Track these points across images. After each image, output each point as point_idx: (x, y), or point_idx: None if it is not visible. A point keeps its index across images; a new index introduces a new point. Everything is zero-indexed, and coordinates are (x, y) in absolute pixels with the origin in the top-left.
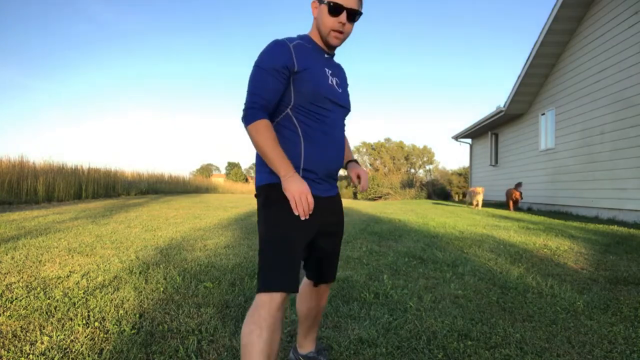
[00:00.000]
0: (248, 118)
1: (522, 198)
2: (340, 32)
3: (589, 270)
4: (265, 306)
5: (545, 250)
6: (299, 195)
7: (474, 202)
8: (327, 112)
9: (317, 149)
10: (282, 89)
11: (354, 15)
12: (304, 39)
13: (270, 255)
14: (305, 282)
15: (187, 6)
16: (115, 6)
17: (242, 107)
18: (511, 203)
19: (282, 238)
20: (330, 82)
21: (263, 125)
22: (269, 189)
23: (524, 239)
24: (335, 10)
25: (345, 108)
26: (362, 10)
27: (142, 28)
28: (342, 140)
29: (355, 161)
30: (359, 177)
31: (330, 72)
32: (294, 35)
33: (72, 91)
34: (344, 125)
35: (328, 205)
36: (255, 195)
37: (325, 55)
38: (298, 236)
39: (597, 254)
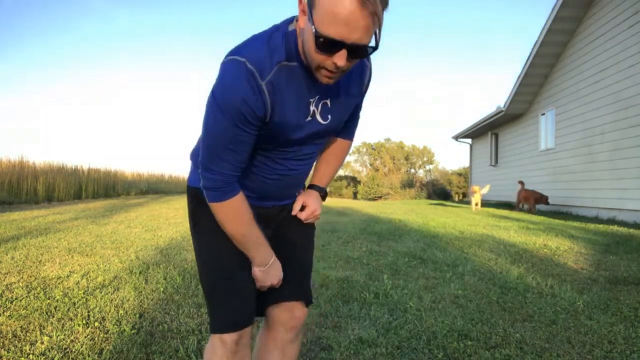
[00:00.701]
0: (216, 195)
1: (547, 203)
2: (333, 72)
3: (589, 270)
4: (219, 349)
5: (545, 250)
6: (270, 286)
7: (473, 203)
8: (291, 154)
9: (261, 189)
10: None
11: (360, 52)
12: (288, 48)
13: (212, 288)
14: (264, 332)
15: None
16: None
17: (202, 168)
18: (532, 203)
19: (222, 264)
20: (309, 118)
21: (237, 204)
22: (200, 197)
23: (524, 239)
24: (326, 47)
25: (323, 138)
26: (379, 40)
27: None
28: (303, 174)
29: (321, 189)
30: (303, 207)
31: (316, 98)
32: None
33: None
34: (314, 152)
35: (282, 211)
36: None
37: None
38: (241, 258)
39: (597, 254)
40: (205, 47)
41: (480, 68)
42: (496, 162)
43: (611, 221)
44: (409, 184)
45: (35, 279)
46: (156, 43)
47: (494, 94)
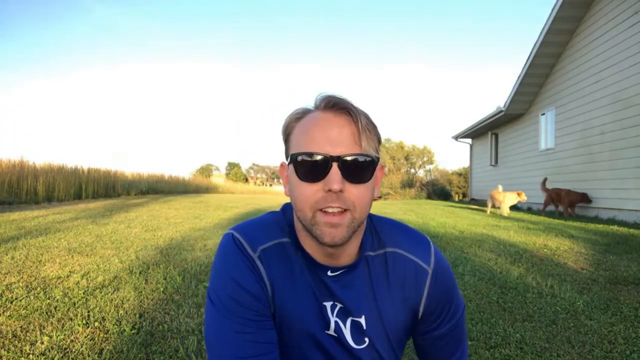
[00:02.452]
0: None
1: (590, 201)
2: (339, 212)
3: (589, 270)
4: None
5: (545, 250)
6: None
7: (507, 207)
8: None
9: None
10: (275, 337)
11: (356, 166)
12: (290, 229)
13: None
14: None
15: (186, 4)
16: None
17: None
18: (566, 205)
19: None
20: (330, 332)
21: None
22: None
23: (524, 239)
24: (311, 169)
25: None
26: (377, 151)
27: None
28: None
29: None
30: None
31: (337, 307)
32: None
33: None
34: None
35: None
36: None
37: (329, 273)
38: None
39: (597, 254)
40: (206, 48)
41: (481, 68)
42: (496, 162)
43: (611, 221)
44: (409, 184)
45: (35, 279)
46: (158, 44)
47: (494, 94)
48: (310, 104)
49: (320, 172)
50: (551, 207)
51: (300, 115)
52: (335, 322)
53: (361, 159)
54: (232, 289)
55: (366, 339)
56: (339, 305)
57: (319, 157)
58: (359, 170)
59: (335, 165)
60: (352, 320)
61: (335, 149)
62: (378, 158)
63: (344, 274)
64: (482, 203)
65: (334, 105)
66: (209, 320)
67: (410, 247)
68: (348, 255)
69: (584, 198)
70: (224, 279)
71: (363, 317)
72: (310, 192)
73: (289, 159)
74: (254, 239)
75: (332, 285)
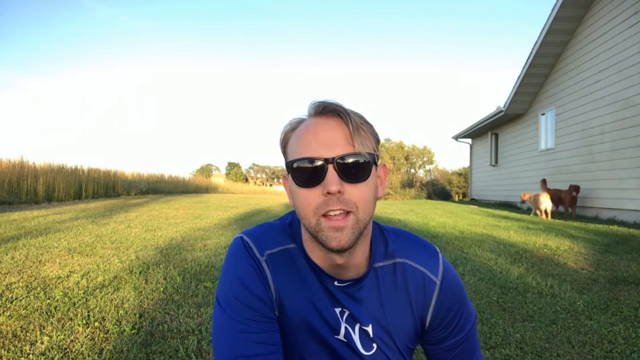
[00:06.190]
0: None
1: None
2: (342, 216)
3: (589, 270)
4: None
5: (545, 250)
6: None
7: (540, 210)
8: None
9: None
10: (279, 339)
11: (352, 165)
12: (290, 239)
13: None
14: None
15: (188, 5)
16: (116, 6)
17: None
18: (568, 204)
19: None
20: (340, 337)
21: None
22: None
23: (524, 239)
24: (309, 174)
25: None
26: (374, 150)
27: (141, 26)
28: None
29: None
30: None
31: (346, 314)
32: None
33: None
34: None
35: None
36: None
37: (336, 283)
38: None
39: (597, 254)
40: (206, 49)
41: (481, 68)
42: (496, 162)
43: (611, 221)
44: (409, 184)
45: (35, 279)
46: (158, 44)
47: (494, 94)
48: (304, 113)
49: (318, 176)
50: (552, 208)
51: (295, 125)
52: (345, 327)
53: (355, 158)
54: (237, 290)
55: (374, 345)
56: (347, 312)
57: (313, 161)
58: (355, 169)
59: (330, 167)
60: (360, 328)
61: (329, 151)
62: (374, 156)
63: (351, 285)
64: (482, 203)
65: (324, 109)
66: (215, 320)
67: (419, 258)
68: (356, 267)
69: (575, 189)
70: (230, 280)
71: (370, 325)
72: (311, 197)
73: (287, 169)
74: (262, 243)
75: (339, 295)
